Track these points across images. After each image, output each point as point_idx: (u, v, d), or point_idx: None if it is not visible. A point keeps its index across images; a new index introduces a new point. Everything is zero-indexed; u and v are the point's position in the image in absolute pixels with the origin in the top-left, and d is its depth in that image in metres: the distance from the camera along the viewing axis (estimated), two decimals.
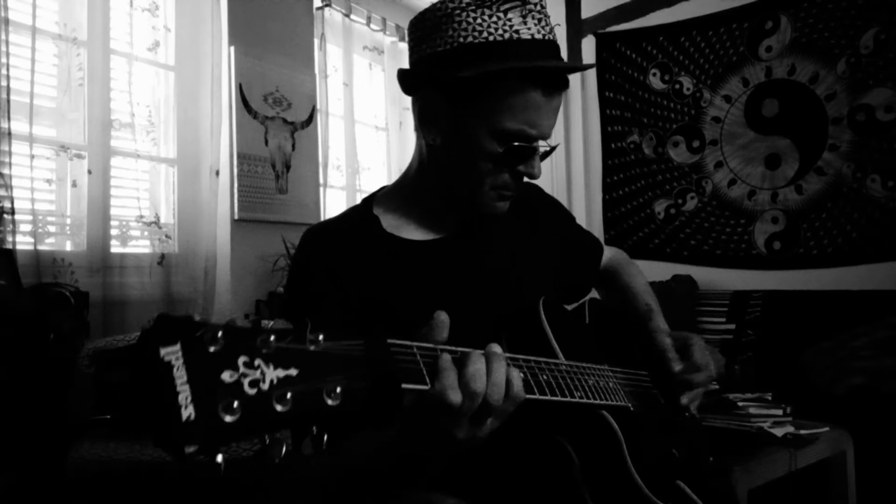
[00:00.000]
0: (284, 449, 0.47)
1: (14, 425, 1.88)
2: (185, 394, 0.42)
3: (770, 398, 1.74)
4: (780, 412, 1.66)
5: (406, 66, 0.95)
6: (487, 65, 0.84)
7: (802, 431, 1.62)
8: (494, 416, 0.65)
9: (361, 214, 0.99)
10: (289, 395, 0.46)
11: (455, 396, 0.60)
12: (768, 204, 3.41)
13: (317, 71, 3.46)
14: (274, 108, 3.18)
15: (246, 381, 0.45)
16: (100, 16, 2.59)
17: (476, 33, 0.85)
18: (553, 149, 0.95)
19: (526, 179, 0.95)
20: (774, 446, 1.55)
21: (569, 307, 1.05)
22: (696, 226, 3.65)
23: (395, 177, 4.23)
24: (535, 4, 0.87)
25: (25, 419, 1.90)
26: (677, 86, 3.70)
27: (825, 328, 2.82)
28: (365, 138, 3.84)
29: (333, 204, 3.49)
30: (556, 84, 0.88)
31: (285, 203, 3.21)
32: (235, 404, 0.44)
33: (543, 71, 0.86)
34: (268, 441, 0.47)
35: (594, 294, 1.19)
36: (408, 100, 0.97)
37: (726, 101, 3.54)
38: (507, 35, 0.84)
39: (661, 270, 3.53)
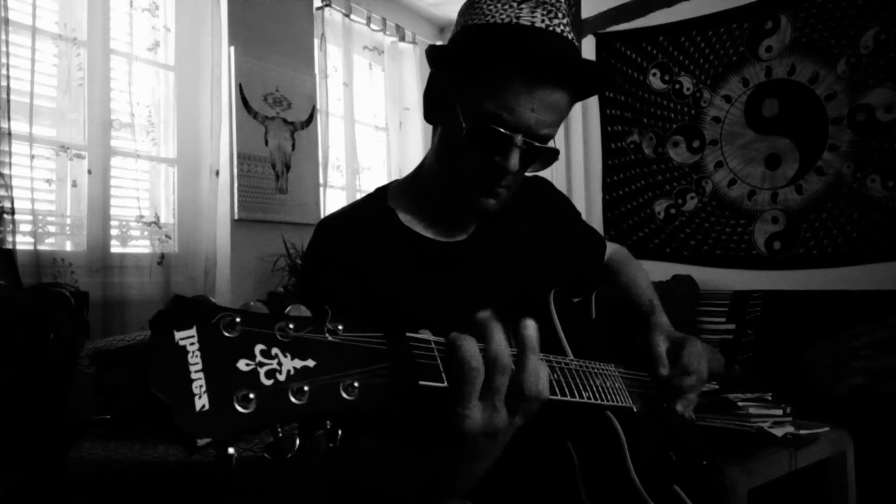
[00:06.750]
0: (298, 443, 0.45)
1: (14, 425, 1.88)
2: (199, 382, 0.41)
3: (770, 398, 1.74)
4: (780, 412, 1.65)
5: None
6: (478, 45, 0.84)
7: (802, 431, 1.61)
8: (521, 412, 0.61)
9: (376, 206, 0.98)
10: (305, 387, 0.45)
11: (476, 361, 0.56)
12: (768, 204, 3.41)
13: (317, 71, 3.46)
14: (274, 108, 3.18)
15: (262, 371, 0.44)
16: (100, 16, 2.59)
17: (482, 17, 0.85)
18: (551, 151, 0.89)
19: (530, 173, 0.92)
20: (774, 446, 1.55)
21: (576, 300, 1.05)
22: (696, 226, 3.65)
23: (394, 177, 4.23)
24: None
25: (26, 419, 1.90)
26: (677, 86, 3.70)
27: (825, 328, 2.81)
28: (365, 138, 3.84)
29: (333, 204, 3.49)
30: (541, 72, 0.83)
31: (285, 203, 3.21)
32: (251, 395, 0.42)
33: (524, 55, 0.82)
34: (280, 434, 0.45)
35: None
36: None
37: (726, 101, 3.54)
38: (506, 20, 0.84)
39: (661, 270, 3.52)
